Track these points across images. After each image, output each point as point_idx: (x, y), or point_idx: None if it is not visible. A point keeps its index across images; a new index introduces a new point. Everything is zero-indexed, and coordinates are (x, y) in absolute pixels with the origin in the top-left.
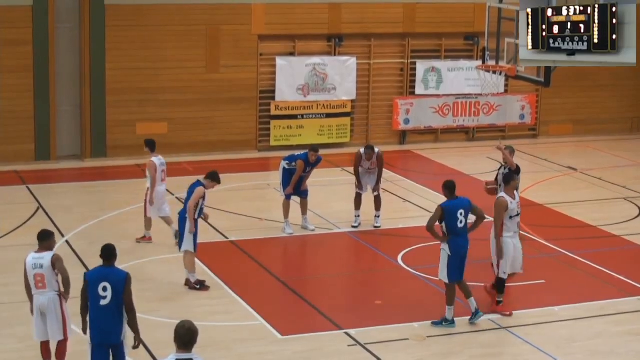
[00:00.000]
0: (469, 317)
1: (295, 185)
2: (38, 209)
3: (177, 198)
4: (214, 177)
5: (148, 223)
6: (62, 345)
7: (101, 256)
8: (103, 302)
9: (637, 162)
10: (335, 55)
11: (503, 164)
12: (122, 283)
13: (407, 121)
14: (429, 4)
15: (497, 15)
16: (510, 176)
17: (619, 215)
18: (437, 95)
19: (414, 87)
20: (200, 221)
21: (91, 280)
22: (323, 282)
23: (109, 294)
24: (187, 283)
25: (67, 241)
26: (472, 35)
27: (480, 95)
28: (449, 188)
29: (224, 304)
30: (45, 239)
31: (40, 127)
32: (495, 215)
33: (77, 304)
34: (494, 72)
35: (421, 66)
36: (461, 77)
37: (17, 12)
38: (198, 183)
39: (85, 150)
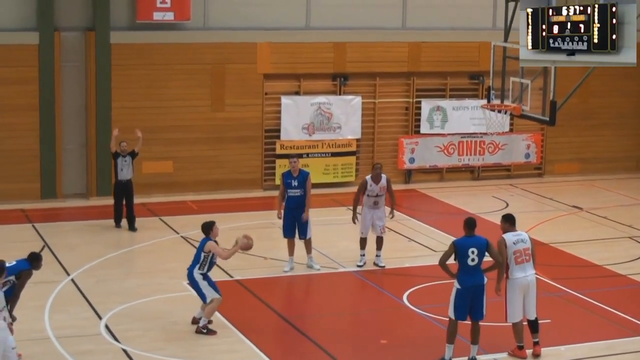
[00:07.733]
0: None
1: (280, 201)
2: (44, 247)
3: (182, 237)
4: (209, 227)
5: None
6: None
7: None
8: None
9: None
10: (340, 94)
11: None
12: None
13: (412, 160)
14: (434, 43)
15: (502, 54)
16: None
17: (625, 254)
18: (442, 134)
19: (419, 126)
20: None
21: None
22: (328, 321)
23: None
24: (195, 322)
25: (72, 279)
26: (477, 74)
27: (486, 134)
28: (467, 224)
29: (229, 342)
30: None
31: (45, 165)
32: None
33: None
34: (499, 111)
35: (426, 105)
36: (466, 116)
37: (23, 50)
38: (206, 239)
39: (90, 189)
